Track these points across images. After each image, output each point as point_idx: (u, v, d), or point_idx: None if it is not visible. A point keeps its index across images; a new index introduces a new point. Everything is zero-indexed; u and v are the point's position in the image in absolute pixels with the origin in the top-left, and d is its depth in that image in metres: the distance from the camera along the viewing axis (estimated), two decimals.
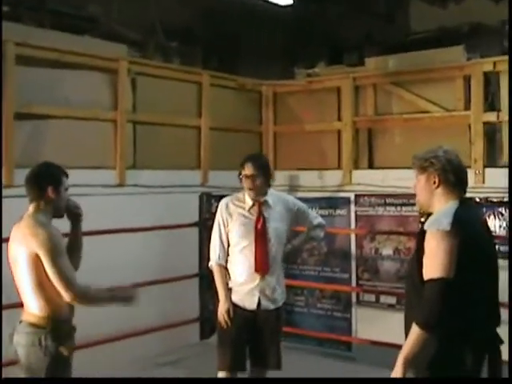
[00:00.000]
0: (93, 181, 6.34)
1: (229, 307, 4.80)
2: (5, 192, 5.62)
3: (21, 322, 3.77)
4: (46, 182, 3.77)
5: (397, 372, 3.19)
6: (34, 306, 3.71)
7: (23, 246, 3.65)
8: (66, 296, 3.61)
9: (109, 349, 6.26)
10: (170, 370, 6.58)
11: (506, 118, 6.49)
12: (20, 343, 3.73)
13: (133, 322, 6.56)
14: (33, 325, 3.70)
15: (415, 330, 3.14)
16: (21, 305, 3.88)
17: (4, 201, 5.58)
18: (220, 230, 4.91)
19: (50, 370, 3.65)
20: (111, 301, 3.97)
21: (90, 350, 5.75)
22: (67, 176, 3.91)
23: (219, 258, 4.90)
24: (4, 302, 5.32)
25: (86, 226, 5.88)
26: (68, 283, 3.60)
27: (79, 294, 3.64)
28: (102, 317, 6.09)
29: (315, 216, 5.29)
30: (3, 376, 5.08)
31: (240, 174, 4.85)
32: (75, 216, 4.06)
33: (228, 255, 4.91)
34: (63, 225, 3.95)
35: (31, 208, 3.78)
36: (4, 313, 5.33)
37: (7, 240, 3.90)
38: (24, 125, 6.01)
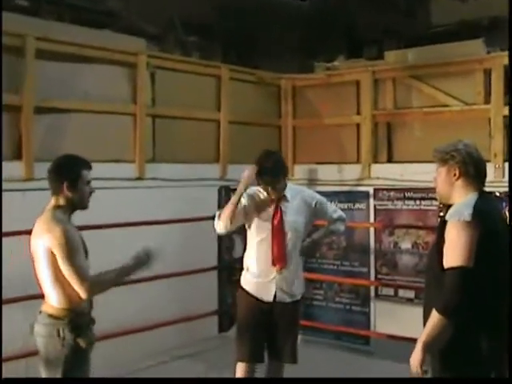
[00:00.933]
0: (112, 174, 6.37)
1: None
2: (25, 185, 5.68)
3: (40, 312, 3.80)
4: (62, 177, 3.77)
5: (416, 356, 3.28)
6: (52, 298, 3.75)
7: (41, 241, 3.69)
8: (80, 292, 3.64)
9: (127, 341, 6.30)
10: (188, 363, 6.61)
11: None
12: (39, 333, 3.77)
13: (151, 314, 6.61)
14: (51, 316, 3.73)
15: (435, 315, 3.22)
16: (40, 296, 3.93)
17: (25, 194, 5.64)
18: (240, 204, 4.82)
19: (67, 361, 3.68)
20: (126, 272, 3.94)
21: (108, 343, 5.78)
22: (89, 168, 3.89)
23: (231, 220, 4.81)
24: (23, 293, 5.39)
25: (105, 218, 5.99)
26: (80, 280, 3.61)
27: (91, 289, 3.65)
28: (121, 310, 6.18)
29: (335, 209, 5.22)
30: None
31: (256, 178, 4.78)
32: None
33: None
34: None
35: (52, 202, 3.81)
36: (22, 304, 5.41)
37: (26, 232, 3.94)
38: (44, 118, 6.06)
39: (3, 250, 5.41)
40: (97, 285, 3.70)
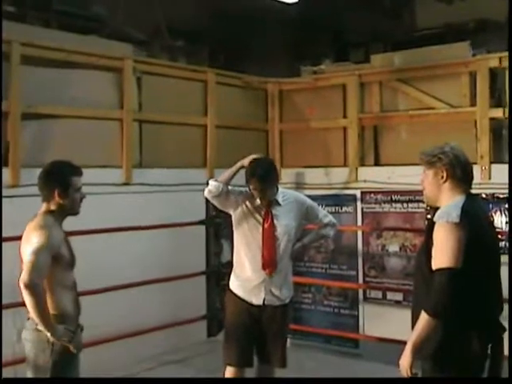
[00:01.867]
0: (99, 179, 6.34)
1: None
2: (11, 192, 5.65)
3: (28, 318, 3.79)
4: (52, 184, 3.77)
5: (405, 359, 3.29)
6: None
7: (29, 245, 3.68)
8: (21, 278, 3.56)
9: (116, 347, 6.29)
10: (177, 368, 6.60)
11: None
12: (27, 339, 3.77)
13: (140, 320, 6.60)
14: None
15: (424, 317, 3.24)
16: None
17: (11, 200, 5.61)
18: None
19: (56, 367, 3.68)
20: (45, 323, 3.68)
21: (97, 349, 5.78)
22: (80, 174, 3.88)
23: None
24: (12, 300, 5.36)
25: (92, 224, 5.98)
26: (30, 271, 3.54)
27: (29, 289, 3.55)
28: (110, 315, 6.16)
29: (325, 214, 5.22)
30: (3, 375, 5.11)
31: (247, 181, 4.78)
32: None
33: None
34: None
35: (43, 207, 3.81)
36: (13, 310, 5.38)
37: (14, 239, 3.93)
38: (30, 125, 6.04)
39: None
40: (32, 289, 3.56)
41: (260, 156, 5.06)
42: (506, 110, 6.58)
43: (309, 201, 5.11)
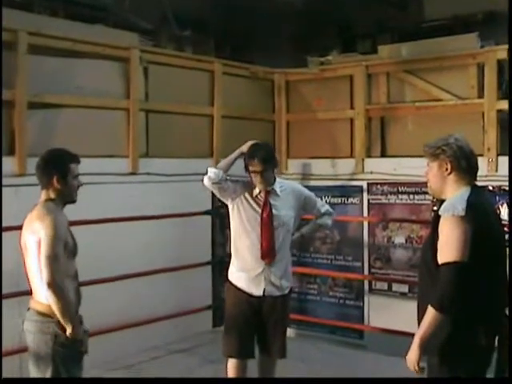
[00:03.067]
0: (106, 169, 6.37)
1: None
2: (17, 180, 5.66)
3: (29, 309, 3.81)
4: (51, 171, 3.78)
5: (412, 353, 3.28)
6: (41, 295, 3.74)
7: (32, 234, 3.70)
8: (44, 278, 3.60)
9: (122, 337, 6.31)
10: (183, 357, 6.61)
11: None
12: (28, 330, 3.78)
13: (146, 309, 6.61)
14: (40, 313, 3.74)
15: (431, 311, 3.22)
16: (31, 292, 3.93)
17: (17, 189, 5.62)
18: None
19: (58, 357, 3.69)
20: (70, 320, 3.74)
21: (102, 338, 5.79)
22: (78, 161, 3.90)
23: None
24: (17, 289, 5.39)
25: (99, 213, 5.99)
26: (48, 266, 3.58)
27: (54, 288, 3.59)
28: (115, 305, 6.18)
29: (323, 204, 5.27)
30: (9, 363, 5.13)
31: (246, 166, 4.83)
32: None
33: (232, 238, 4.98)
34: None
35: (42, 196, 3.83)
36: (17, 300, 5.41)
37: (20, 228, 3.94)
38: (37, 114, 6.04)
39: None
40: (58, 288, 3.62)
41: (258, 141, 5.09)
42: None
43: (306, 191, 5.15)
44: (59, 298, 3.61)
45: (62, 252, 3.67)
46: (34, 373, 3.76)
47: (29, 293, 3.92)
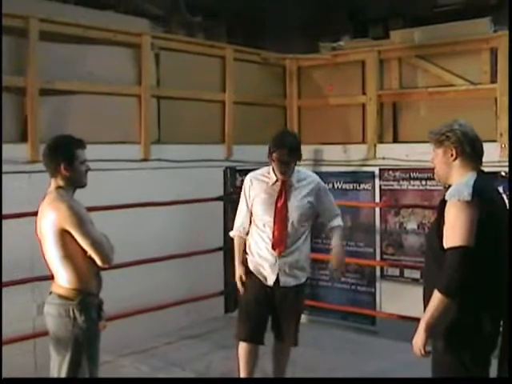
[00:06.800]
0: (117, 155, 6.39)
1: (241, 273, 4.87)
2: (30, 167, 5.69)
3: (50, 293, 3.86)
4: (58, 159, 3.79)
5: (418, 337, 3.29)
6: (62, 279, 3.78)
7: (49, 222, 3.73)
8: (97, 260, 3.73)
9: (134, 322, 6.33)
10: (195, 343, 6.64)
11: None
12: (49, 313, 3.82)
13: (158, 295, 6.64)
14: (61, 296, 3.77)
15: (437, 296, 3.23)
16: (47, 278, 3.96)
17: (30, 176, 5.65)
18: (245, 203, 4.92)
19: (77, 341, 3.73)
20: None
21: (115, 323, 5.80)
22: (84, 147, 3.91)
23: (241, 228, 4.94)
24: (30, 275, 5.43)
25: (111, 200, 6.01)
26: (98, 249, 3.71)
27: (108, 257, 3.77)
28: (128, 291, 6.21)
29: (336, 213, 5.06)
30: (24, 347, 5.18)
31: (270, 152, 4.72)
32: None
33: (249, 228, 4.95)
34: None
35: (52, 183, 3.85)
36: (30, 285, 5.46)
37: (32, 214, 3.97)
38: (48, 100, 6.05)
39: (11, 232, 5.43)
40: (111, 250, 3.81)
41: (288, 130, 5.01)
42: None
43: (322, 184, 5.01)
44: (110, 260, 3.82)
45: (93, 227, 3.77)
46: (54, 355, 3.81)
47: (43, 278, 3.96)
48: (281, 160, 4.69)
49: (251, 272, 4.88)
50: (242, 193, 4.98)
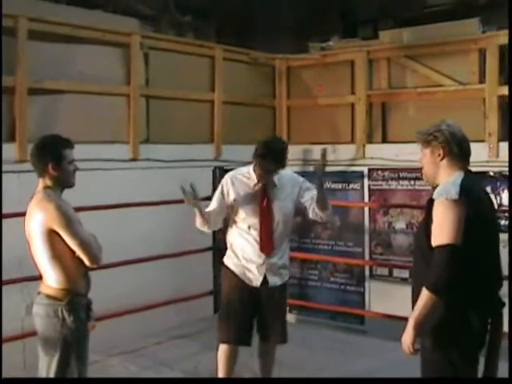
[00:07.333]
0: (106, 155, 6.38)
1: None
2: (18, 167, 5.66)
3: (39, 293, 3.84)
4: (45, 158, 3.78)
5: (407, 335, 3.31)
6: (50, 278, 3.78)
7: (36, 222, 3.72)
8: (85, 261, 3.72)
9: (123, 322, 6.32)
10: (184, 343, 6.63)
11: None
12: (38, 314, 3.81)
13: (147, 295, 6.63)
14: (50, 297, 3.77)
15: (425, 293, 3.25)
16: (36, 278, 3.95)
17: (19, 175, 5.63)
18: (219, 201, 4.90)
19: (66, 341, 3.72)
20: None
21: (104, 324, 5.80)
22: (71, 146, 3.89)
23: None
24: (19, 275, 5.41)
25: (99, 200, 6.00)
26: (86, 249, 3.71)
27: (96, 259, 3.76)
28: (116, 291, 6.19)
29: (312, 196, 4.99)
30: (12, 348, 5.16)
31: (256, 155, 4.68)
32: None
33: (227, 227, 4.96)
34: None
35: (40, 183, 3.84)
36: (19, 285, 5.43)
37: (21, 214, 3.95)
38: (37, 100, 6.03)
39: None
40: (99, 251, 3.80)
41: (277, 136, 4.96)
42: None
43: (303, 179, 4.98)
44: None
45: (82, 227, 3.76)
46: (42, 355, 3.80)
47: (32, 278, 3.94)
48: (264, 168, 4.68)
49: (234, 274, 4.86)
50: (219, 191, 4.92)
